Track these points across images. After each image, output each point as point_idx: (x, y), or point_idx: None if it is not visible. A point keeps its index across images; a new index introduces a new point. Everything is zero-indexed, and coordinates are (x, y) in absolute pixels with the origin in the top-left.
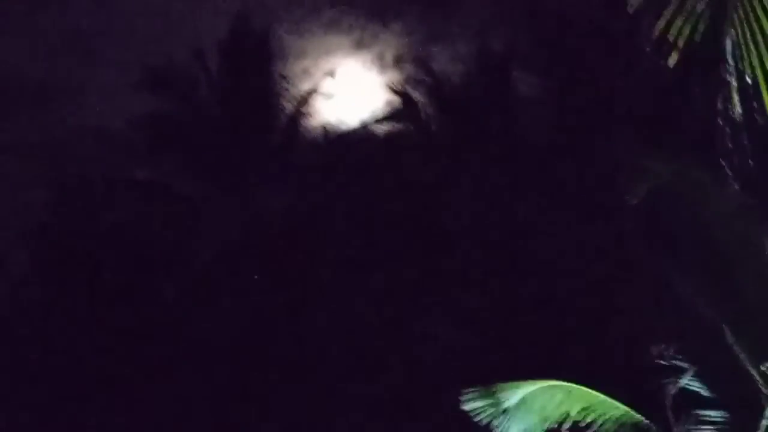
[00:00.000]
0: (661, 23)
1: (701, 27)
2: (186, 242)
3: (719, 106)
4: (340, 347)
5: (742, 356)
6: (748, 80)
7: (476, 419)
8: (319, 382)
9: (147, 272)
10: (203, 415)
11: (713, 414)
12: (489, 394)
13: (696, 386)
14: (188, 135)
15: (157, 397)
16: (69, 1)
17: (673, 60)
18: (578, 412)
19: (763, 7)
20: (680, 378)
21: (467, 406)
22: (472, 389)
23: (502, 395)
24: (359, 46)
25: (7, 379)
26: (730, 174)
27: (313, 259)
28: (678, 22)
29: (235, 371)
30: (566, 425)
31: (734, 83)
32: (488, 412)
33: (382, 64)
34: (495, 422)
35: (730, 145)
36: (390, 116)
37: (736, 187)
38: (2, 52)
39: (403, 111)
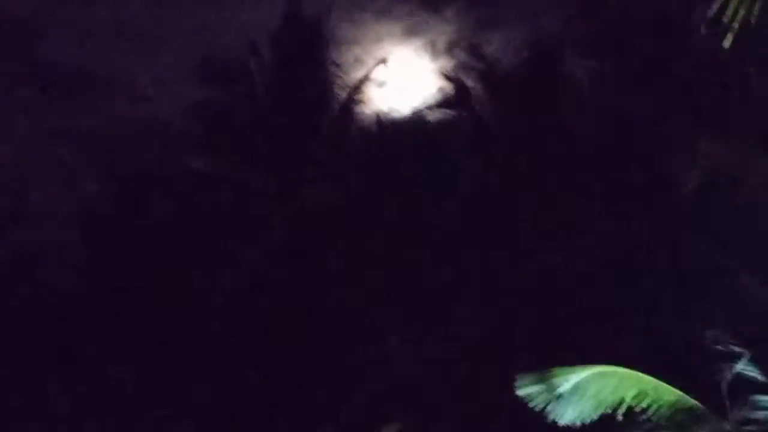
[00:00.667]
0: (716, 5)
1: (756, 8)
2: (241, 230)
3: None
4: (391, 331)
5: None
6: None
7: (530, 405)
8: (362, 368)
9: (202, 261)
10: (260, 396)
11: None
12: (543, 379)
13: (751, 371)
14: (241, 124)
15: (212, 385)
16: None
17: (728, 42)
18: (633, 398)
19: None
20: (736, 363)
21: (521, 392)
22: (526, 375)
23: (556, 381)
24: (411, 33)
25: (60, 365)
26: None
27: (366, 246)
28: (733, 3)
29: (283, 362)
30: (621, 411)
31: None
32: (542, 398)
33: (434, 50)
34: (549, 408)
35: None
36: (442, 103)
37: None
38: (58, 43)
39: (456, 97)
